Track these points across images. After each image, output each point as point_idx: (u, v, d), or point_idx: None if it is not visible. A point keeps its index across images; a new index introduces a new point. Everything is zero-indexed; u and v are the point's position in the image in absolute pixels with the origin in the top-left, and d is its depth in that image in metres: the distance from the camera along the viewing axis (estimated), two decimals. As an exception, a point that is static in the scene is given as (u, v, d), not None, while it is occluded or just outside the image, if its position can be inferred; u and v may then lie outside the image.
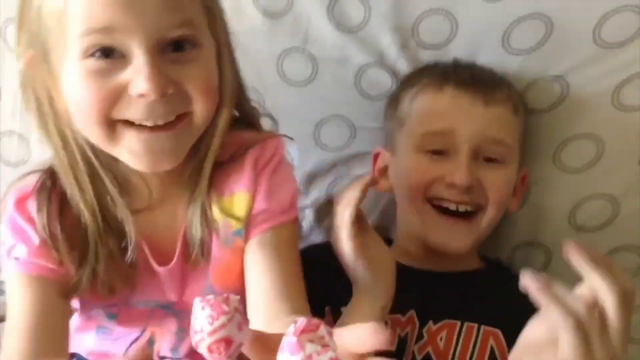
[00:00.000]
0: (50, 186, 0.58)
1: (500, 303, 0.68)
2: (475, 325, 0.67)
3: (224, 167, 0.60)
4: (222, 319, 0.31)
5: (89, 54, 0.50)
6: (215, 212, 0.59)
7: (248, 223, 0.60)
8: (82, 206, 0.56)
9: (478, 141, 0.70)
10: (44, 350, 0.56)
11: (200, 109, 0.53)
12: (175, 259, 0.60)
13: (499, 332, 0.66)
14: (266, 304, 0.57)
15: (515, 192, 0.76)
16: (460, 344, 0.66)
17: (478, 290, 0.72)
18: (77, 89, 0.51)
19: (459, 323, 0.67)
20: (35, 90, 0.55)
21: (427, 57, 0.79)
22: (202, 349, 0.32)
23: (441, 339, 0.67)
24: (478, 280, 0.74)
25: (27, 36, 0.53)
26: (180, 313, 0.64)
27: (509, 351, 0.60)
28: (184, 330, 0.64)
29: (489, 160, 0.71)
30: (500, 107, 0.72)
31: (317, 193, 0.88)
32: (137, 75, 0.49)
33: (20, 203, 0.58)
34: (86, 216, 0.56)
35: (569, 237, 0.53)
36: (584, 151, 0.78)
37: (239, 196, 0.60)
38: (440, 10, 0.77)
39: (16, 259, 0.58)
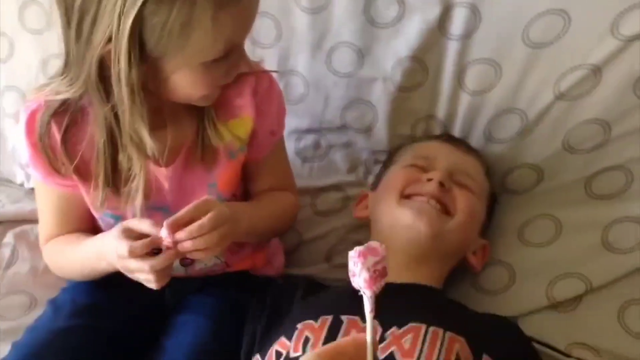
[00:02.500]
0: (57, 108, 0.66)
1: (463, 315, 0.74)
2: (441, 330, 0.67)
3: (223, 92, 0.69)
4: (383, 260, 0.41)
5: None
6: (224, 131, 0.71)
7: (249, 142, 0.75)
8: (100, 123, 0.65)
9: (453, 169, 0.83)
10: (70, 225, 0.75)
11: None
12: (177, 162, 0.71)
13: (463, 339, 0.67)
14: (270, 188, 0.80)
15: (476, 253, 0.86)
16: (426, 346, 0.66)
17: (442, 301, 0.78)
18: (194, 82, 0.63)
19: (424, 326, 0.68)
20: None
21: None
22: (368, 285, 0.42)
23: (406, 341, 0.67)
24: (442, 295, 0.81)
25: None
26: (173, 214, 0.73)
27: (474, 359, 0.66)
28: None
29: (461, 184, 0.82)
30: (476, 160, 0.87)
31: (332, 116, 0.96)
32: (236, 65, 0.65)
33: (30, 117, 0.67)
34: (99, 134, 0.66)
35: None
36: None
37: (242, 120, 0.73)
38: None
39: (37, 170, 0.70)
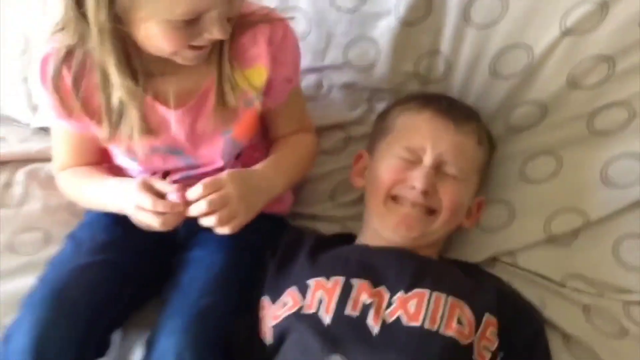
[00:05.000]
0: (64, 56, 0.69)
1: (463, 280, 0.80)
2: (443, 296, 0.74)
3: (238, 39, 0.71)
4: None
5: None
6: (240, 79, 0.72)
7: (265, 91, 0.76)
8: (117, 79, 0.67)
9: (441, 158, 0.82)
10: (83, 158, 0.81)
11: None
12: (188, 105, 0.73)
13: (464, 303, 0.74)
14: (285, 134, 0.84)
15: (470, 214, 0.88)
16: (430, 309, 0.73)
17: (443, 269, 0.82)
18: (160, 39, 0.64)
19: (427, 292, 0.74)
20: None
21: None
22: None
23: (411, 305, 0.73)
24: (441, 264, 0.85)
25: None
26: (189, 158, 0.79)
27: (475, 324, 0.73)
28: (191, 168, 0.80)
29: (448, 174, 0.82)
30: (466, 136, 0.84)
31: (334, 54, 0.95)
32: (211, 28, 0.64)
33: (43, 63, 0.71)
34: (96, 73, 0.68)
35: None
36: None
37: (257, 69, 0.74)
38: None
39: (53, 109, 0.73)
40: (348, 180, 0.94)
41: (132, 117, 0.70)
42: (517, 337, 0.76)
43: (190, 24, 0.63)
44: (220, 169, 0.77)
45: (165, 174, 0.80)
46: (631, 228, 0.88)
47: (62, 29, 0.67)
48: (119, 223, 0.80)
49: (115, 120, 0.71)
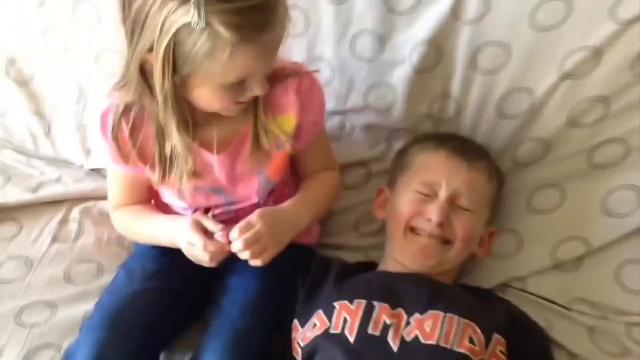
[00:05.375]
0: (122, 111, 0.80)
1: (475, 303, 0.87)
2: (456, 317, 0.82)
3: (271, 90, 0.80)
4: None
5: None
6: (272, 126, 0.83)
7: (295, 135, 0.86)
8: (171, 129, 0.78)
9: (455, 193, 0.91)
10: (135, 198, 0.92)
11: None
12: (228, 150, 0.84)
13: (475, 324, 0.82)
14: (311, 172, 0.95)
15: (483, 243, 0.96)
16: (444, 329, 0.81)
17: (457, 293, 0.91)
18: (212, 99, 0.75)
19: (442, 314, 0.82)
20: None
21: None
22: None
23: (427, 325, 0.81)
24: (455, 288, 0.93)
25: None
26: (228, 195, 0.89)
27: (485, 342, 0.80)
28: (230, 204, 0.91)
29: (461, 208, 0.91)
30: (478, 173, 0.93)
31: (355, 98, 1.05)
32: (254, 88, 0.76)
33: (103, 116, 0.82)
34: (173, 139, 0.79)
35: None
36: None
37: (288, 117, 0.84)
38: None
39: (109, 155, 0.84)
40: (370, 213, 1.03)
41: (183, 164, 0.80)
42: (525, 355, 0.83)
43: (238, 85, 0.74)
44: (256, 205, 0.88)
45: (207, 210, 0.90)
46: (632, 254, 0.95)
47: (122, 87, 0.78)
48: (165, 254, 0.91)
49: (168, 166, 0.81)
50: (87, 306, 0.93)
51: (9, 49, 1.17)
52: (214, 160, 0.84)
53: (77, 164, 1.18)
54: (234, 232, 0.78)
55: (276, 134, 0.84)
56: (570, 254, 0.97)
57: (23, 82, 1.17)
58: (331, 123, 1.06)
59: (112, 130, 0.81)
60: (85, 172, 1.17)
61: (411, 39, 0.98)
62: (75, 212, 1.08)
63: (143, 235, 0.93)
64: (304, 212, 0.89)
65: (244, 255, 0.79)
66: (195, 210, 0.91)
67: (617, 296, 0.95)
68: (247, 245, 0.78)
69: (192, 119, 0.79)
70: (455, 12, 0.95)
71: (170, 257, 0.89)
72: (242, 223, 0.79)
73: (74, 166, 1.18)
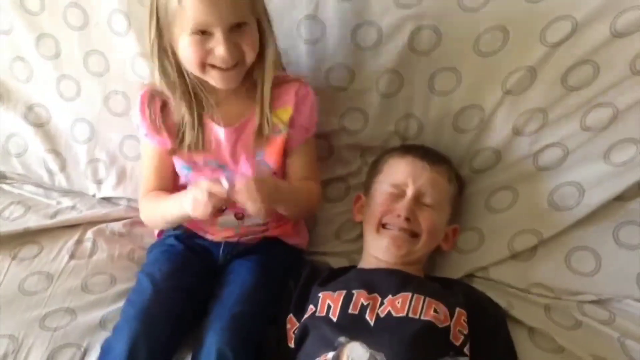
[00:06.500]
0: (153, 95, 1.01)
1: (438, 288, 1.00)
2: (422, 297, 0.95)
3: (276, 89, 1.01)
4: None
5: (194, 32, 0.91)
6: (274, 115, 1.01)
7: (289, 125, 1.03)
8: (179, 103, 0.99)
9: (420, 192, 1.06)
10: (160, 182, 1.08)
11: (248, 57, 0.95)
12: (234, 126, 1.02)
13: (439, 302, 0.95)
14: (297, 178, 1.07)
15: (448, 238, 1.11)
16: (412, 304, 0.93)
17: (422, 281, 1.04)
18: (187, 50, 0.92)
19: (410, 294, 0.95)
20: (163, 47, 0.94)
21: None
22: None
23: (398, 303, 0.94)
24: (421, 278, 1.06)
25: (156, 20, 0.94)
26: (231, 172, 1.04)
27: (449, 314, 0.93)
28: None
29: (425, 204, 1.05)
30: (439, 175, 1.08)
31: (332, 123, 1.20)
32: (218, 45, 0.91)
33: (143, 102, 1.02)
34: (182, 110, 1.00)
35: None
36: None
37: (286, 109, 1.03)
38: None
39: (143, 133, 1.04)
40: (350, 222, 1.18)
41: (191, 132, 1.00)
42: (481, 326, 0.96)
43: (204, 40, 0.90)
44: None
45: None
46: (578, 242, 1.10)
47: (155, 83, 1.00)
48: (177, 257, 1.06)
49: (181, 136, 1.01)
50: (102, 311, 1.06)
51: (28, 97, 1.31)
52: (221, 134, 1.01)
53: (89, 194, 1.32)
54: (238, 179, 0.90)
55: (275, 122, 1.01)
56: (525, 245, 1.12)
57: (40, 125, 1.32)
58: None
59: (149, 106, 1.00)
60: (97, 200, 1.31)
61: (377, 69, 1.15)
62: (89, 234, 1.21)
63: (159, 214, 1.04)
64: (291, 194, 1.02)
65: (241, 197, 0.90)
66: None
67: (568, 279, 1.09)
68: (248, 189, 0.89)
69: (205, 100, 0.99)
70: (411, 45, 1.12)
71: (182, 259, 1.05)
72: (248, 181, 0.91)
73: (86, 196, 1.32)
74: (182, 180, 1.08)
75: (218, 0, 0.89)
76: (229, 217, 1.08)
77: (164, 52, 0.95)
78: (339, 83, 1.17)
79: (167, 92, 0.98)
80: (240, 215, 1.08)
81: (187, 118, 0.99)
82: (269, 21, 0.99)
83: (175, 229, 1.13)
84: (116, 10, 1.19)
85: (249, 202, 0.90)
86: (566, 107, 1.08)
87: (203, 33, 0.90)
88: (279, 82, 1.01)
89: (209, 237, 1.12)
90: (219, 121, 1.01)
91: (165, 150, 1.03)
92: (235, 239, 1.11)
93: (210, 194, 0.90)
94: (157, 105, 1.01)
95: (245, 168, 1.04)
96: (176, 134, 1.01)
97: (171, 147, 1.02)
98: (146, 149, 1.09)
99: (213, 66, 0.93)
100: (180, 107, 0.99)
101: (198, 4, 0.88)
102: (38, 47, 1.26)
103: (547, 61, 1.06)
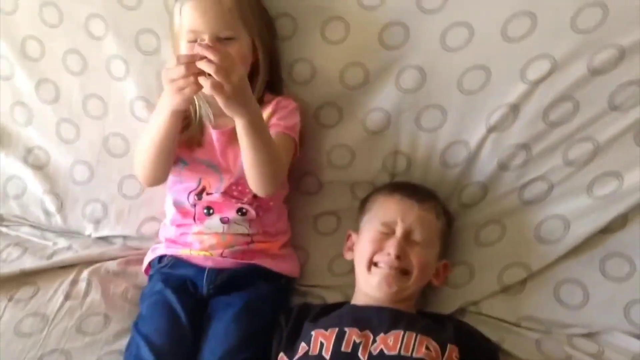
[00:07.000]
0: None
1: (430, 324, 1.01)
2: (414, 334, 0.96)
3: (263, 100, 1.11)
4: None
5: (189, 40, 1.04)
6: None
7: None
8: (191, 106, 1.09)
9: (409, 229, 1.07)
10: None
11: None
12: (224, 129, 1.09)
13: (430, 338, 0.95)
14: None
15: (438, 274, 1.12)
16: (404, 342, 0.94)
17: (414, 317, 1.05)
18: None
19: (402, 332, 0.96)
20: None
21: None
22: None
23: (390, 341, 0.95)
24: (412, 314, 1.07)
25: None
26: (222, 173, 1.11)
27: (440, 350, 0.94)
28: (223, 181, 1.11)
29: (415, 242, 1.07)
30: (427, 212, 1.10)
31: (322, 160, 1.23)
32: None
33: None
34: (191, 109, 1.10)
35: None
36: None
37: (265, 114, 1.08)
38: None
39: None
40: (341, 255, 1.19)
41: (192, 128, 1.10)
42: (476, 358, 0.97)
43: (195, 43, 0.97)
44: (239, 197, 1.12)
45: (201, 191, 1.13)
46: (566, 274, 1.11)
47: None
48: (166, 312, 1.07)
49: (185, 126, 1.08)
50: (97, 353, 1.07)
51: (28, 140, 1.34)
52: (214, 135, 1.10)
53: (85, 234, 1.34)
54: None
55: None
56: (515, 278, 1.13)
57: (39, 167, 1.34)
58: (305, 181, 1.24)
59: None
60: (92, 240, 1.33)
61: (364, 109, 1.19)
62: (85, 273, 1.22)
63: (147, 141, 1.05)
64: (263, 127, 1.00)
65: (209, 69, 0.88)
66: (191, 192, 1.14)
67: (557, 312, 1.10)
68: (218, 59, 0.88)
69: (203, 101, 1.10)
70: (397, 84, 1.16)
71: (174, 291, 1.09)
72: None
73: (82, 236, 1.34)
74: (174, 172, 1.13)
75: (208, 9, 1.02)
76: (214, 221, 1.12)
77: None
78: (327, 121, 1.21)
79: None
80: (225, 219, 1.12)
81: (191, 116, 1.09)
82: (264, 42, 1.09)
83: (159, 260, 1.17)
84: (115, 55, 1.24)
85: (221, 73, 0.88)
86: (549, 142, 1.11)
87: (196, 41, 1.01)
88: (268, 100, 1.11)
89: (194, 258, 1.14)
90: (212, 124, 1.10)
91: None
92: (219, 251, 1.12)
93: (187, 66, 0.89)
94: None
95: (234, 168, 1.10)
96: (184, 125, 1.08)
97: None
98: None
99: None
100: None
101: (192, 12, 1.03)
102: (38, 91, 1.30)
103: (528, 98, 1.10)
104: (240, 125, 0.96)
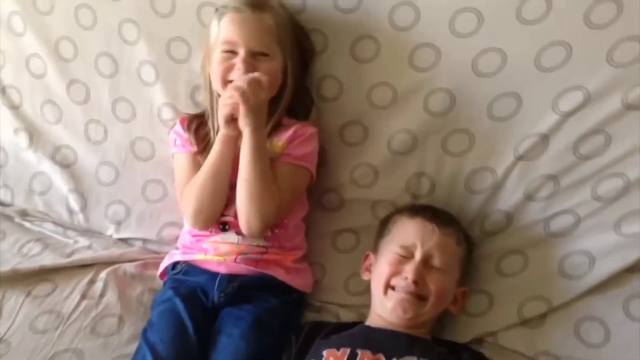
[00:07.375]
0: (192, 118, 1.18)
1: (444, 353, 1.00)
2: None
3: (280, 128, 1.13)
4: None
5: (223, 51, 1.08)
6: (270, 143, 1.10)
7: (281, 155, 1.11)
8: (210, 125, 1.14)
9: (428, 254, 1.05)
10: None
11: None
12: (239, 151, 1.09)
13: None
14: None
15: (456, 301, 1.10)
16: None
17: (429, 343, 1.03)
18: (215, 66, 1.09)
19: (416, 358, 0.95)
20: (205, 75, 1.14)
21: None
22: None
23: None
24: (427, 341, 1.05)
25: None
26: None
27: None
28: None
29: (434, 267, 1.05)
30: (447, 237, 1.07)
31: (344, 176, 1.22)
32: (239, 61, 1.07)
33: (182, 122, 1.18)
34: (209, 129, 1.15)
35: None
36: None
37: (281, 141, 1.11)
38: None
39: (176, 146, 1.17)
40: (358, 273, 1.18)
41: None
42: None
43: (230, 57, 1.06)
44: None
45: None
46: (588, 312, 1.08)
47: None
48: (175, 322, 1.07)
49: (206, 144, 1.13)
50: (109, 356, 1.07)
51: (57, 139, 1.37)
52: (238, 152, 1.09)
53: (107, 234, 1.36)
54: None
55: (271, 149, 1.10)
56: (535, 312, 1.10)
57: (67, 166, 1.36)
58: (327, 198, 1.24)
59: (188, 126, 1.16)
60: (113, 241, 1.34)
61: (390, 129, 1.17)
62: (102, 274, 1.23)
63: (203, 175, 1.09)
64: (266, 154, 1.06)
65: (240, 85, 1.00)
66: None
67: (576, 349, 1.07)
68: (249, 84, 1.00)
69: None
70: (426, 107, 1.15)
71: (184, 301, 1.10)
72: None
73: (103, 236, 1.36)
74: None
75: (246, 24, 1.06)
76: (229, 234, 1.13)
77: (206, 79, 1.13)
78: (352, 139, 1.20)
79: (207, 108, 1.16)
80: (241, 232, 1.11)
81: (210, 136, 1.13)
82: (294, 64, 1.11)
83: (173, 267, 1.18)
84: (145, 61, 1.25)
85: (245, 93, 0.99)
86: (578, 176, 1.08)
87: (231, 52, 1.06)
88: (288, 124, 1.12)
89: (207, 263, 1.14)
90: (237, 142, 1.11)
91: (196, 155, 1.15)
92: (233, 257, 1.12)
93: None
94: (192, 125, 1.16)
95: None
96: (202, 140, 1.14)
97: (196, 150, 1.14)
98: (180, 162, 1.17)
99: (231, 82, 1.05)
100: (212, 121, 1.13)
101: (231, 23, 1.07)
102: (69, 91, 1.32)
103: (559, 129, 1.08)
104: (244, 145, 1.04)
